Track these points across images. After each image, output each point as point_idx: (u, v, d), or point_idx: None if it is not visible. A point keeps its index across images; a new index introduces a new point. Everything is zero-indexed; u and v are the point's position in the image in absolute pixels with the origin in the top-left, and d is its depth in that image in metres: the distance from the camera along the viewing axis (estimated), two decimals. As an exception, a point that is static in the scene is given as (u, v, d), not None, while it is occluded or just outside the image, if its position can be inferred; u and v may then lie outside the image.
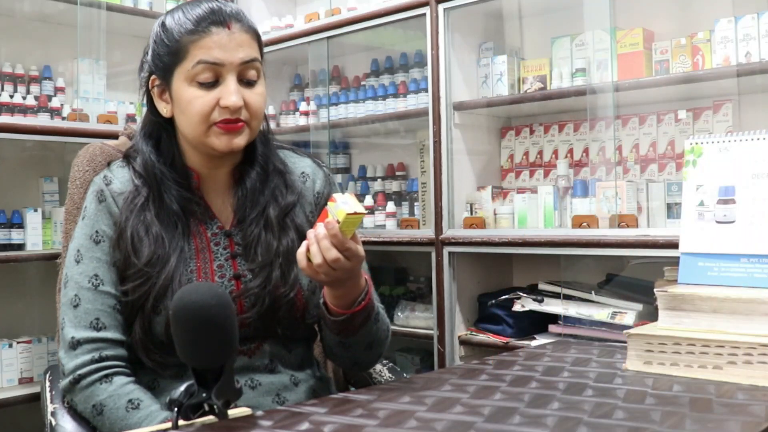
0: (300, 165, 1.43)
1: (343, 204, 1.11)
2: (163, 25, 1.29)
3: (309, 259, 1.14)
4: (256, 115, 1.29)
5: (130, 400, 1.20)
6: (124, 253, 1.27)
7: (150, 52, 1.31)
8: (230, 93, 1.24)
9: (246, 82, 1.27)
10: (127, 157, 1.36)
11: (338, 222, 1.11)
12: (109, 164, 1.38)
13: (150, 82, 1.31)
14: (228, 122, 1.25)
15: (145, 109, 1.39)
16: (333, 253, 1.12)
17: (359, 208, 1.11)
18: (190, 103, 1.25)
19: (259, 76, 1.30)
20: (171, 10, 1.32)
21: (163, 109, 1.31)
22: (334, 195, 1.14)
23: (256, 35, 1.31)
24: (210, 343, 0.87)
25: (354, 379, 1.60)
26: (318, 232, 1.13)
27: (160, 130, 1.34)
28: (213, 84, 1.25)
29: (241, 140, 1.27)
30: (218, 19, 1.25)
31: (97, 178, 1.35)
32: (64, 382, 1.25)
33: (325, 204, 1.16)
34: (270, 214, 1.33)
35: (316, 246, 1.13)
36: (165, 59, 1.27)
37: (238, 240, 1.33)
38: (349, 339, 1.29)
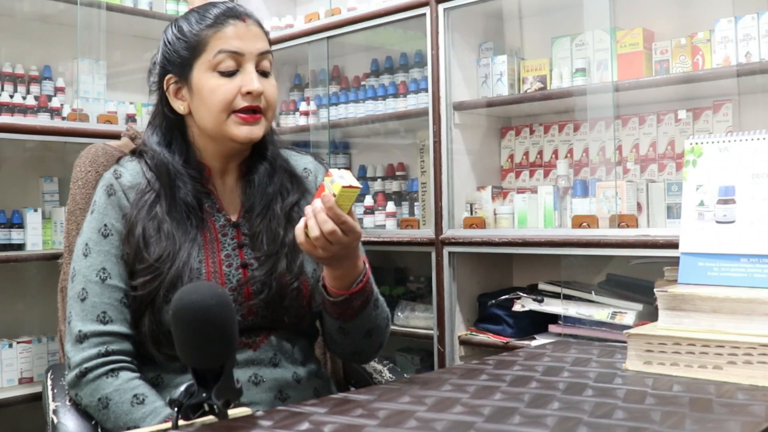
0: (302, 162, 1.47)
1: (339, 178, 1.13)
2: (178, 26, 1.36)
3: (307, 235, 1.16)
4: (271, 105, 1.35)
5: (135, 395, 1.21)
6: (134, 248, 1.29)
7: (162, 54, 1.36)
8: (252, 80, 1.30)
9: (261, 73, 1.34)
10: (138, 153, 1.38)
11: (334, 195, 1.13)
12: (118, 160, 1.41)
13: (165, 83, 1.35)
14: (248, 110, 1.31)
15: (148, 109, 1.43)
16: (329, 226, 1.14)
17: (354, 182, 1.14)
18: (212, 92, 1.30)
19: (271, 68, 1.36)
20: (183, 15, 1.39)
21: (180, 106, 1.35)
22: (330, 170, 1.16)
23: (266, 33, 1.39)
24: (210, 343, 0.87)
25: (354, 379, 1.61)
26: (315, 206, 1.15)
27: (173, 129, 1.37)
28: (234, 73, 1.31)
29: (259, 130, 1.33)
30: (234, 13, 1.33)
31: (107, 172, 1.38)
32: (69, 376, 1.26)
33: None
34: (276, 207, 1.37)
35: (313, 220, 1.15)
36: (183, 54, 1.32)
37: (245, 231, 1.36)
38: (348, 324, 1.30)
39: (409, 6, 2.61)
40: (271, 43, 1.40)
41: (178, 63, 1.33)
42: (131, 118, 2.88)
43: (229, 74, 1.30)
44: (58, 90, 2.81)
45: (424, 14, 2.57)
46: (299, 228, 1.18)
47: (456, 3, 2.51)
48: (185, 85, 1.33)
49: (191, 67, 1.31)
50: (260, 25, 1.36)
